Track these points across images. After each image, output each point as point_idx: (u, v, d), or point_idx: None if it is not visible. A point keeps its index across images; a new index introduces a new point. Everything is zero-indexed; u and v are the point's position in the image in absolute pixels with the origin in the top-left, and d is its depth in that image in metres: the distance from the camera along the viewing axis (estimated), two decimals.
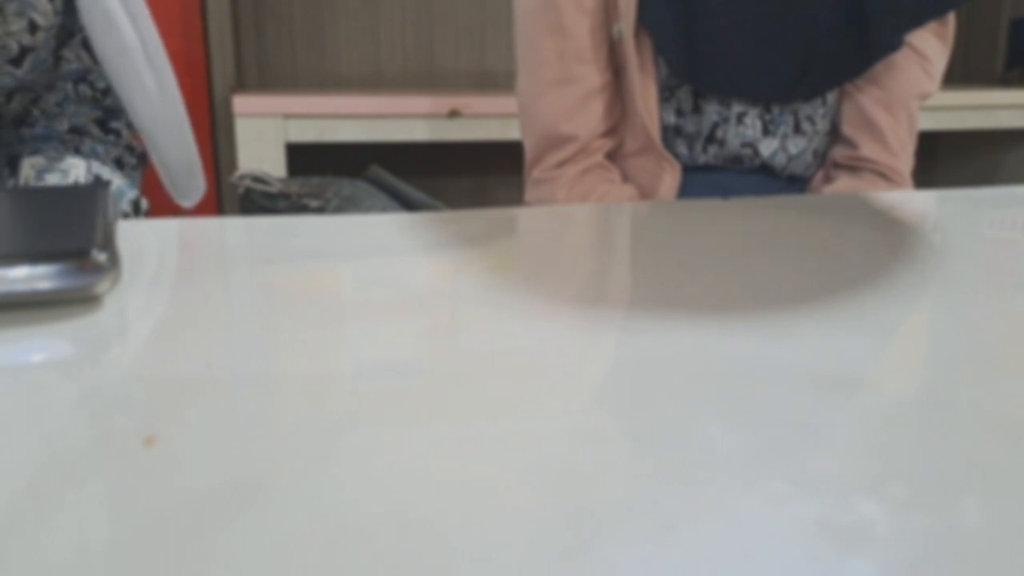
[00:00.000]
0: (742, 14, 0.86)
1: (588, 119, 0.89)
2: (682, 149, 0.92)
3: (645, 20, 0.85)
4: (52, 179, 0.66)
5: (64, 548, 0.14)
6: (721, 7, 0.86)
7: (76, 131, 0.71)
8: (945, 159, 2.36)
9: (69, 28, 0.70)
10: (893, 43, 0.88)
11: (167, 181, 0.74)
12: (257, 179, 1.04)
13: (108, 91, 0.73)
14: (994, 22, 2.16)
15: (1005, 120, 1.92)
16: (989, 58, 2.18)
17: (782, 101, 0.91)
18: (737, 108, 0.90)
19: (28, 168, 0.67)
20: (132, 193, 0.71)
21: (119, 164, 0.73)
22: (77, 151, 0.70)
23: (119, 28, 0.65)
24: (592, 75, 0.88)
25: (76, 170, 0.68)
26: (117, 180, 0.70)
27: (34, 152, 0.69)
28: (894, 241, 0.39)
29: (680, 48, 0.86)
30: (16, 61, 0.64)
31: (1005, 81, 2.12)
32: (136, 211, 0.70)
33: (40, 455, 0.17)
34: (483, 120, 1.68)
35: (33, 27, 0.62)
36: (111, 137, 0.73)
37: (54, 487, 0.16)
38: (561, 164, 0.90)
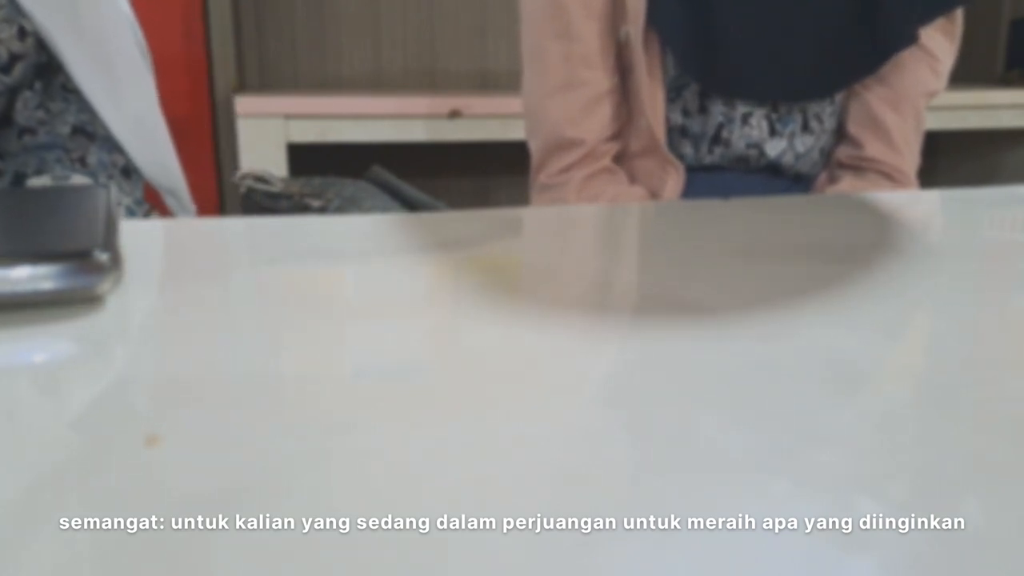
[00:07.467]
0: (752, 13, 0.86)
1: (594, 123, 0.89)
2: (687, 150, 0.92)
3: (654, 21, 0.85)
4: None
5: (65, 549, 0.14)
6: (731, 6, 0.86)
7: (80, 131, 0.70)
8: (945, 159, 2.36)
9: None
10: (907, 37, 0.87)
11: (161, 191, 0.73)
12: (259, 179, 1.04)
13: None
14: (994, 22, 2.16)
15: (1005, 120, 1.92)
16: (989, 58, 2.18)
17: (794, 100, 0.90)
18: (742, 109, 0.90)
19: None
20: (138, 207, 0.70)
21: (126, 173, 0.72)
22: (83, 163, 0.69)
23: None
24: (599, 79, 0.88)
25: None
26: (125, 200, 0.70)
27: (39, 171, 0.68)
28: (894, 241, 0.39)
29: (690, 48, 0.86)
30: (6, 69, 0.63)
31: (1005, 81, 2.12)
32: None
33: (41, 455, 0.17)
34: (484, 121, 1.68)
35: (22, 33, 0.62)
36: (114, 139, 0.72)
37: (55, 487, 0.16)
38: (567, 169, 0.90)
